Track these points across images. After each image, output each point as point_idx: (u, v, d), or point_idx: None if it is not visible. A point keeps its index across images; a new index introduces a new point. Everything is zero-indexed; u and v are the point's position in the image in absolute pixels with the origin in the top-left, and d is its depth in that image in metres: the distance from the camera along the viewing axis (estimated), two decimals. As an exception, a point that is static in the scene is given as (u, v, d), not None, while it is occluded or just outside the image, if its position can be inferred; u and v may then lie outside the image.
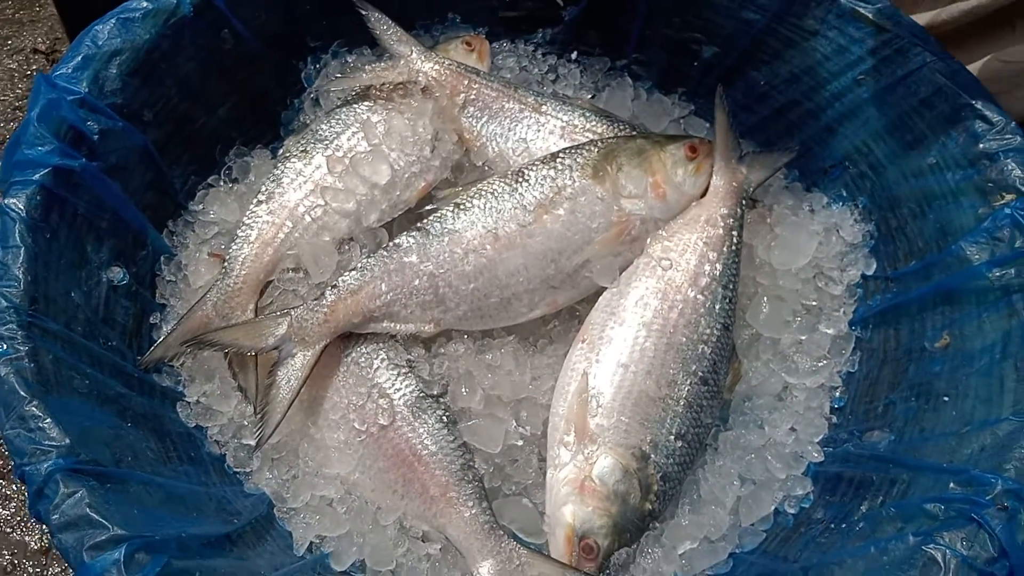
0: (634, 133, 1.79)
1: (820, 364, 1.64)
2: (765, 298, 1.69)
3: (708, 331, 1.58)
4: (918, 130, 1.70)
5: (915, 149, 1.71)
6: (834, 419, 1.60)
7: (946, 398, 1.44)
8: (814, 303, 1.71)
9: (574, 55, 2.06)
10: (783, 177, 1.89)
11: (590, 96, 2.02)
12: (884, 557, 1.21)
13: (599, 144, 1.72)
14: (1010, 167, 1.54)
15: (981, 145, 1.59)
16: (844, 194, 1.83)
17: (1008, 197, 1.52)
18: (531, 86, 2.00)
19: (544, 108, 1.85)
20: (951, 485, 1.26)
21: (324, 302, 1.56)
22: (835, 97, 1.81)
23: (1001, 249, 1.47)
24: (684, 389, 1.53)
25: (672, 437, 1.51)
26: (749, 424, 1.60)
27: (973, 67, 1.89)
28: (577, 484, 1.47)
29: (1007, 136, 1.58)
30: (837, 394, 1.64)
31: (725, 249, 1.64)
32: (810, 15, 1.75)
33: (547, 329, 1.70)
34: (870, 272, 1.73)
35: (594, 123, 1.83)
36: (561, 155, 1.71)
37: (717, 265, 1.63)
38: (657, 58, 2.03)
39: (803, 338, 1.68)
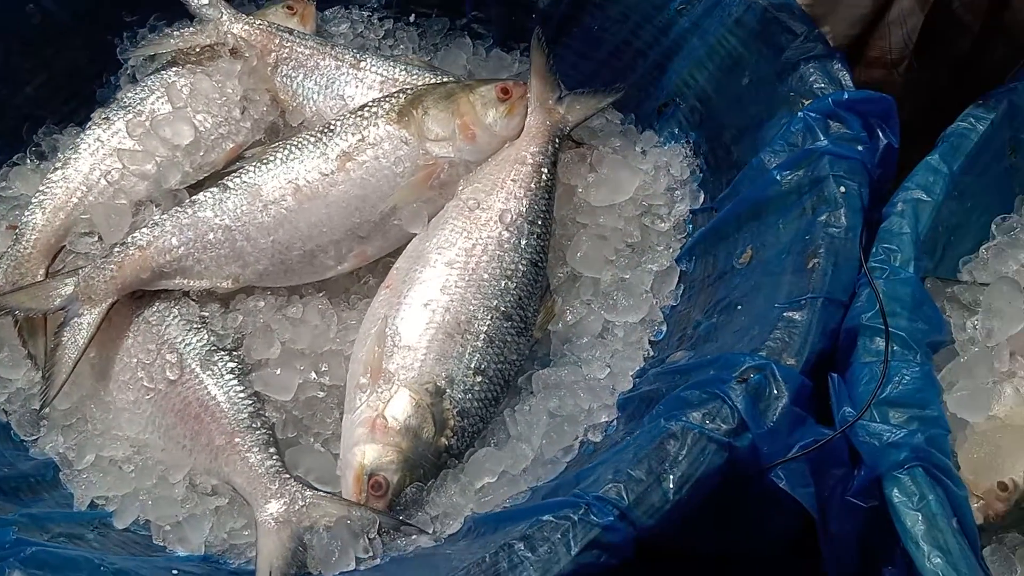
0: (448, 80, 2.02)
1: (641, 300, 1.82)
2: (584, 237, 1.88)
3: (513, 267, 1.76)
4: (735, 52, 1.91)
5: (733, 72, 1.92)
6: (651, 352, 1.78)
7: (739, 307, 1.61)
8: (638, 240, 1.90)
9: (412, 18, 2.30)
10: (620, 122, 2.11)
11: (427, 58, 2.26)
12: (633, 445, 1.38)
13: (408, 91, 1.95)
14: (810, 73, 1.75)
15: (785, 56, 1.80)
16: (677, 132, 2.04)
17: (806, 103, 1.73)
18: (369, 51, 2.24)
19: (363, 64, 2.08)
20: (710, 372, 1.43)
21: (112, 259, 1.77)
22: (661, 32, 2.04)
23: (793, 153, 1.67)
24: (485, 324, 1.71)
25: (471, 372, 1.68)
26: (567, 363, 1.78)
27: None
28: (369, 423, 1.64)
29: (808, 44, 1.79)
30: (658, 327, 1.82)
31: (534, 186, 1.84)
32: (632, -49, 1.99)
33: (361, 285, 1.90)
34: (697, 206, 1.93)
35: (417, 77, 2.07)
36: (368, 104, 1.93)
37: (524, 201, 1.82)
38: (496, 15, 2.27)
39: (626, 276, 1.86)
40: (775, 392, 1.36)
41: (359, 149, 1.85)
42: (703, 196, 1.93)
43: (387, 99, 1.92)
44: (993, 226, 1.69)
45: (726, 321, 1.62)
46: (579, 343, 1.80)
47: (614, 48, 2.12)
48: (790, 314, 1.45)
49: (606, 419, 1.66)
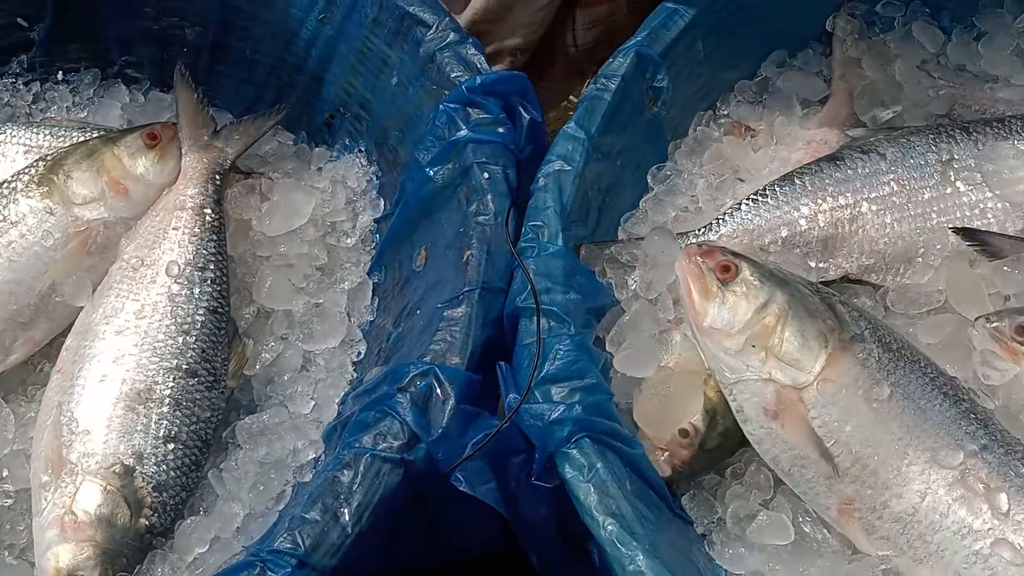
0: (93, 136, 1.92)
1: (337, 322, 1.79)
2: (268, 270, 1.83)
3: (189, 320, 1.69)
4: (380, 53, 1.90)
5: (383, 74, 1.90)
6: (354, 373, 1.75)
7: (418, 311, 1.60)
8: (326, 261, 1.86)
9: (59, 75, 2.17)
10: (292, 143, 2.06)
11: (83, 114, 2.15)
12: (317, 481, 1.35)
13: (46, 158, 1.83)
14: (446, 62, 1.75)
15: (423, 49, 1.80)
16: (348, 142, 2.01)
17: (446, 93, 1.73)
18: (19, 120, 2.11)
19: (2, 137, 1.95)
20: (384, 388, 1.41)
21: None
22: (310, 44, 2.00)
23: (441, 146, 1.66)
24: (168, 388, 1.63)
25: (161, 442, 1.60)
26: (271, 406, 1.72)
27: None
28: (58, 523, 1.53)
29: (442, 33, 1.79)
30: (359, 348, 1.79)
31: (198, 230, 1.77)
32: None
33: (37, 373, 1.78)
34: (379, 214, 1.91)
35: (63, 139, 1.95)
36: (7, 180, 1.81)
37: (190, 248, 1.75)
38: (148, 56, 2.17)
39: (319, 301, 1.82)
40: (441, 395, 1.35)
41: (1, 231, 1.72)
42: (383, 203, 1.90)
43: (24, 171, 1.80)
44: (649, 177, 1.74)
45: (408, 328, 1.60)
46: (281, 381, 1.75)
47: (271, 67, 2.07)
48: (450, 312, 1.44)
49: (313, 456, 1.62)
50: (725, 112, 1.86)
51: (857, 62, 1.87)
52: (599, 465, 1.27)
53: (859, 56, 1.88)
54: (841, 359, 1.38)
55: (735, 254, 1.46)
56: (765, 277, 1.43)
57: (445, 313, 1.45)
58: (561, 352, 1.36)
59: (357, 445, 1.32)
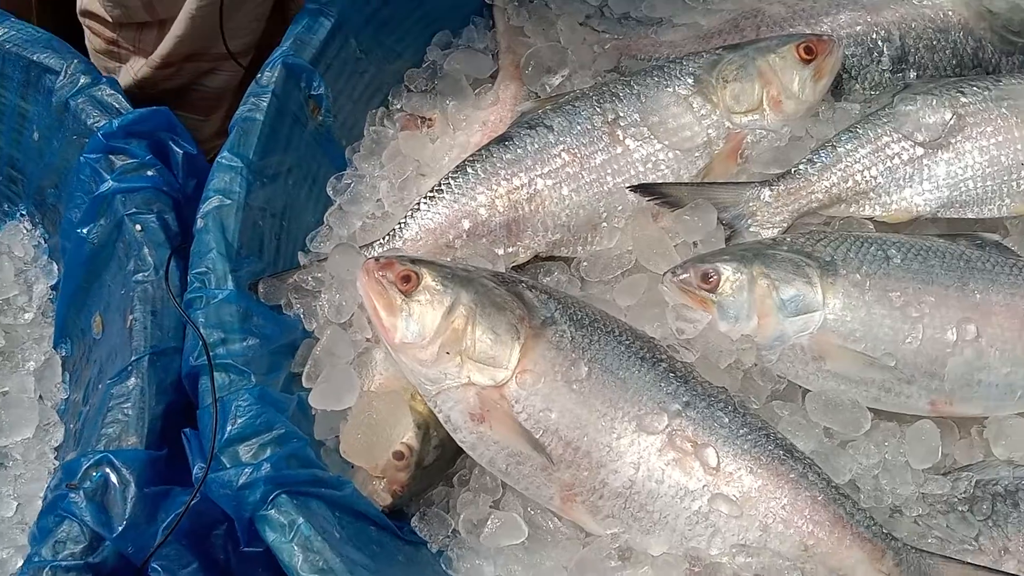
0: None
1: (27, 409, 1.61)
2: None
3: None
4: (17, 107, 1.71)
5: (24, 129, 1.72)
6: (56, 461, 1.59)
7: (99, 386, 1.45)
8: (5, 344, 1.68)
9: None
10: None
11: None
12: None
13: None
14: (81, 108, 1.59)
15: (56, 98, 1.63)
16: (7, 208, 1.82)
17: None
18: None
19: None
20: (60, 489, 1.27)
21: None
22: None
23: (89, 202, 1.51)
24: None
25: None
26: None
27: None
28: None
29: (72, 77, 1.63)
30: (56, 433, 1.62)
31: None
32: None
33: None
34: (55, 280, 1.73)
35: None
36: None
37: None
38: None
39: (5, 389, 1.63)
40: (119, 483, 1.23)
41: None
42: (56, 267, 1.73)
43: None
44: (329, 189, 1.65)
45: (91, 407, 1.46)
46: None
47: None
48: (119, 388, 1.32)
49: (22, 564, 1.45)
50: (398, 106, 1.79)
51: (520, 30, 1.84)
52: (300, 521, 1.19)
53: (522, 24, 1.84)
54: (535, 347, 1.35)
55: (415, 261, 1.40)
56: (447, 280, 1.37)
57: (114, 390, 1.32)
58: (242, 408, 1.26)
59: (37, 559, 1.19)
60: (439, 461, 1.41)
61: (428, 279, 1.37)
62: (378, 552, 1.27)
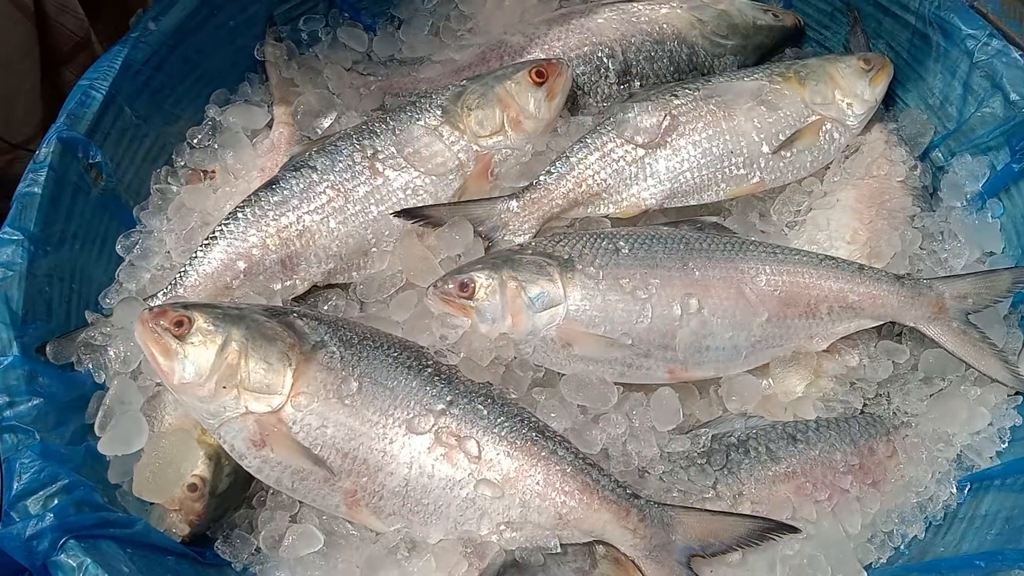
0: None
1: None
2: None
3: None
4: None
5: None
6: None
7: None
8: None
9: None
10: None
11: None
12: None
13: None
14: None
15: None
16: None
17: None
18: None
19: None
20: None
21: None
22: None
23: None
24: None
25: None
26: None
27: None
28: None
29: None
30: None
31: None
32: None
33: None
34: None
35: None
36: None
37: None
38: None
39: None
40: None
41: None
42: None
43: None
44: (118, 248, 1.67)
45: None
46: None
47: None
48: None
49: None
50: (182, 163, 1.81)
51: (291, 81, 1.88)
52: (88, 562, 1.21)
53: (292, 76, 1.89)
54: (307, 370, 1.39)
55: (187, 306, 1.43)
56: (218, 320, 1.40)
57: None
58: (26, 465, 1.28)
59: None
60: (234, 487, 1.45)
61: (200, 321, 1.40)
62: (174, 581, 1.30)
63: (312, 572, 1.40)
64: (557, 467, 1.38)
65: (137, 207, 1.74)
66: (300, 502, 1.44)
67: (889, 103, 1.84)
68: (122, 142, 1.72)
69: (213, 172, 1.77)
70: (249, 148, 1.80)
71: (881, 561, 1.45)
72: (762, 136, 1.69)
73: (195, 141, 1.82)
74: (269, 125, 1.86)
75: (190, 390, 1.38)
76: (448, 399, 1.41)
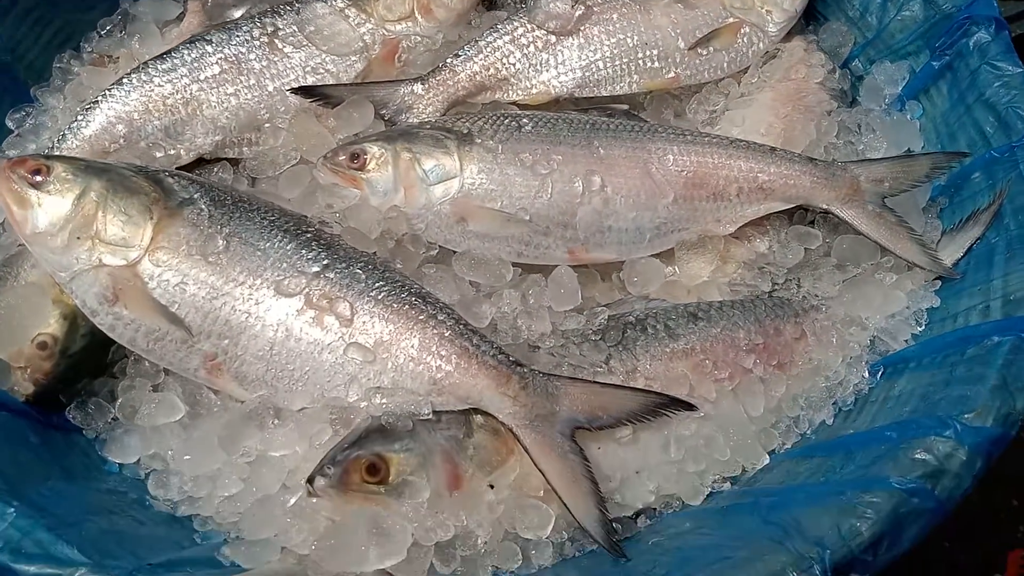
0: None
1: None
2: None
3: None
4: None
5: None
6: None
7: None
8: None
9: None
10: None
11: None
12: None
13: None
14: None
15: None
16: None
17: None
18: None
19: None
20: None
21: None
22: None
23: None
24: None
25: None
26: None
27: None
28: None
29: None
30: None
31: None
32: None
33: None
34: None
35: None
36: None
37: None
38: None
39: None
40: None
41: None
42: None
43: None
44: (8, 120, 1.46)
45: None
46: None
47: None
48: None
49: None
50: (89, 49, 1.59)
51: (205, -29, 1.66)
52: None
53: (206, -34, 1.67)
54: (170, 225, 1.17)
55: (49, 156, 1.20)
56: (79, 171, 1.18)
57: None
58: None
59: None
60: (89, 349, 1.22)
61: (59, 170, 1.18)
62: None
63: (168, 440, 1.16)
64: (435, 331, 1.15)
65: (36, 87, 1.52)
66: (165, 372, 1.20)
67: (810, 19, 1.63)
68: (24, 23, 1.50)
69: (118, 58, 1.54)
70: (157, 36, 1.57)
71: (786, 447, 1.21)
72: (678, 31, 1.48)
73: (104, 31, 1.60)
74: (180, 18, 1.63)
75: (42, 240, 1.16)
76: (324, 262, 1.18)
